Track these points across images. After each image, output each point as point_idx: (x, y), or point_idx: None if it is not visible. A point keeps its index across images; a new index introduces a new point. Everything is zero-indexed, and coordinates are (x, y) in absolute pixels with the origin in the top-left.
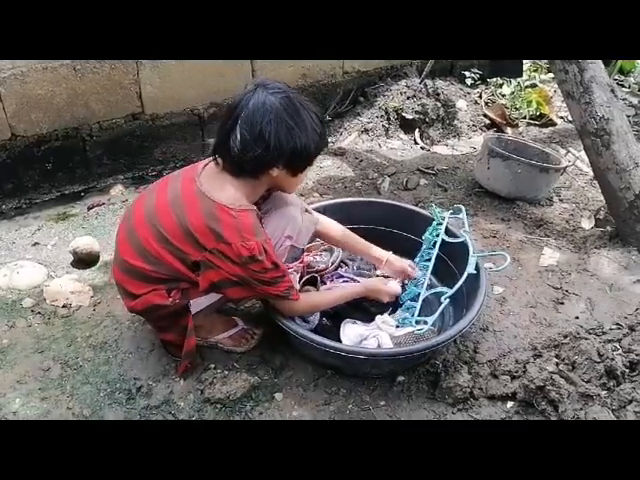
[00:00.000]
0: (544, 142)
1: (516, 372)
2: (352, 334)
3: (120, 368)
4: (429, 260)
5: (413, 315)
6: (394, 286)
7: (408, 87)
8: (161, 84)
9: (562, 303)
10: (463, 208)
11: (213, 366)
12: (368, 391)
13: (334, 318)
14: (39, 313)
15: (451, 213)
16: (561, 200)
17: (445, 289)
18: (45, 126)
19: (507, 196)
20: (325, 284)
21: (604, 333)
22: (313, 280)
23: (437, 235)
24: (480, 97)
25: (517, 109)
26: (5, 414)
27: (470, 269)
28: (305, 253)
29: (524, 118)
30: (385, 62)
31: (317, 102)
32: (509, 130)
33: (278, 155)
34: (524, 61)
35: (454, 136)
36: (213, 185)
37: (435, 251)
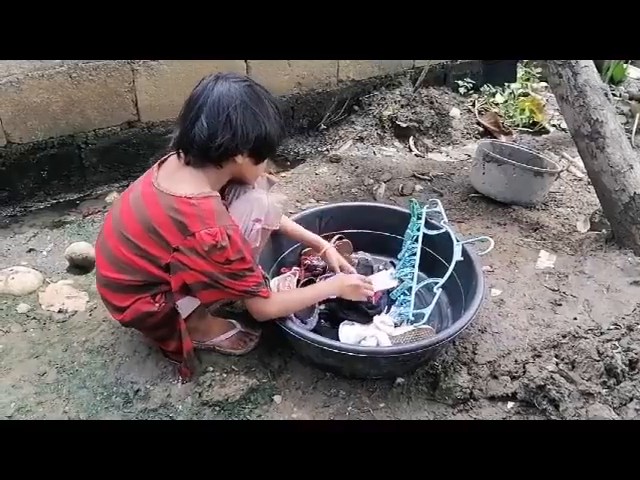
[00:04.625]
0: (538, 149)
1: (516, 372)
2: (351, 335)
3: (117, 372)
4: (414, 255)
5: (408, 309)
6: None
7: (402, 96)
8: (157, 92)
9: (560, 305)
10: (439, 201)
11: (211, 369)
12: (367, 393)
13: (332, 320)
14: (34, 318)
15: (427, 207)
16: (556, 204)
17: (436, 279)
18: (41, 133)
19: (503, 200)
20: None
21: (602, 333)
22: (311, 283)
23: (418, 229)
24: (473, 105)
25: (510, 117)
26: (0, 418)
27: (457, 257)
28: (303, 257)
29: (517, 126)
30: (379, 71)
31: (312, 110)
32: (503, 138)
33: (245, 141)
34: (518, 69)
35: (448, 144)
36: (171, 182)
37: (419, 244)
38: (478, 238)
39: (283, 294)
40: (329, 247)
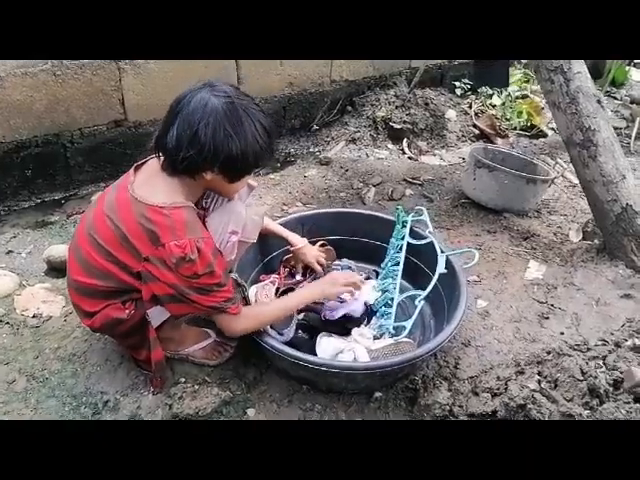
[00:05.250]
0: (534, 153)
1: (497, 389)
2: (328, 347)
3: (87, 381)
4: (398, 264)
5: (389, 321)
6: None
7: (397, 97)
8: (144, 91)
9: (547, 318)
10: (424, 209)
11: (183, 380)
12: (344, 407)
13: (311, 331)
14: (8, 323)
15: (412, 215)
16: (549, 212)
17: (419, 291)
18: (25, 132)
19: (494, 207)
20: None
21: (589, 349)
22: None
23: (402, 238)
24: (470, 107)
25: (507, 120)
26: None
27: (440, 269)
28: (283, 263)
29: (514, 129)
30: (374, 71)
31: (304, 111)
32: (499, 141)
33: (211, 159)
34: (516, 71)
35: (442, 146)
36: (146, 189)
37: (402, 254)
38: (463, 250)
39: (256, 307)
40: (305, 244)
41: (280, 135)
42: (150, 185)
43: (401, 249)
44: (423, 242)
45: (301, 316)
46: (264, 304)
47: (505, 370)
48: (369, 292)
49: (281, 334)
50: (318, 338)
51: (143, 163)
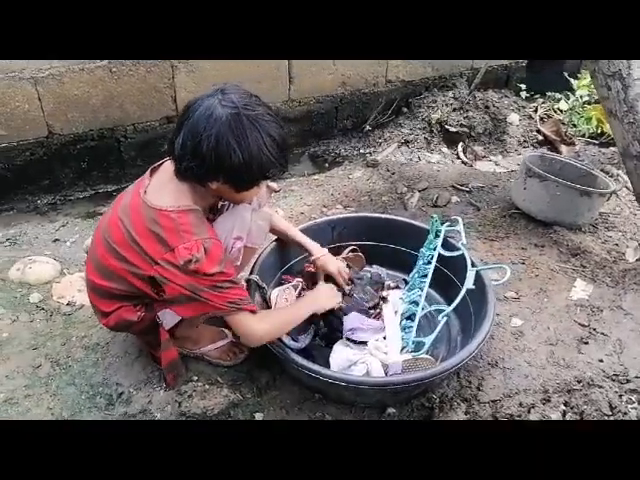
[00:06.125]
0: (601, 163)
1: (518, 416)
2: (340, 358)
3: (106, 372)
4: (426, 276)
5: (410, 335)
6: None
7: (455, 99)
8: (196, 89)
9: (586, 343)
10: (460, 219)
11: (196, 378)
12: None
13: (329, 339)
14: (43, 309)
15: (448, 225)
16: (607, 227)
17: (443, 306)
18: (81, 126)
19: (543, 220)
20: None
21: (628, 381)
22: None
23: (434, 249)
24: (535, 112)
25: (574, 126)
26: None
27: (469, 284)
28: (307, 265)
29: (582, 136)
30: (432, 71)
31: (357, 111)
32: (564, 148)
33: (214, 171)
34: (587, 75)
35: (501, 152)
36: (157, 194)
37: (431, 266)
38: (495, 266)
39: (273, 313)
40: (324, 254)
41: (331, 135)
42: (161, 189)
43: (431, 260)
44: (455, 254)
45: (321, 323)
46: (276, 312)
47: (531, 396)
48: (395, 302)
49: (296, 340)
50: (334, 347)
51: (159, 165)
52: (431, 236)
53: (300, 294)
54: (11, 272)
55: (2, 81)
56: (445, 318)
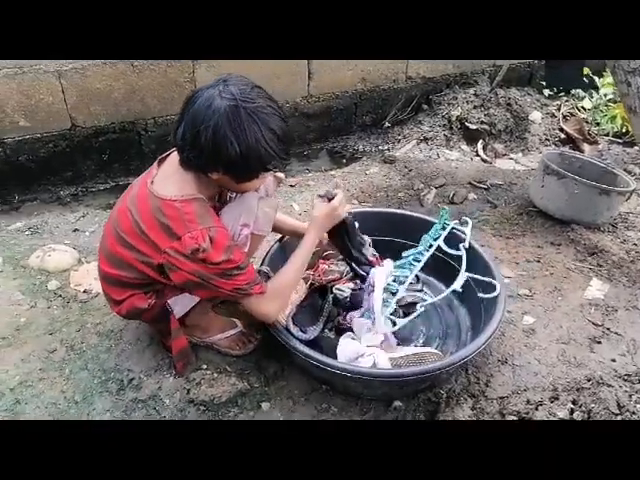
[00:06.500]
0: (624, 162)
1: (526, 413)
2: (348, 350)
3: (118, 358)
4: (419, 261)
5: (386, 310)
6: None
7: (476, 96)
8: None
9: (599, 342)
10: (470, 221)
11: (205, 367)
12: (360, 413)
13: (338, 331)
14: (60, 296)
15: (456, 223)
16: (627, 227)
17: (425, 297)
18: (103, 118)
19: (561, 218)
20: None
21: None
22: (323, 289)
23: (436, 239)
24: (558, 110)
25: (598, 124)
26: (3, 390)
27: (456, 286)
28: (321, 261)
29: (606, 135)
30: (454, 68)
31: (376, 108)
32: (586, 147)
33: (213, 162)
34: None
35: (522, 150)
36: (162, 184)
37: (427, 254)
38: (485, 279)
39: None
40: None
41: (350, 131)
42: (167, 179)
43: (428, 249)
44: (453, 252)
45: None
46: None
47: (538, 394)
48: (384, 274)
49: (304, 332)
50: (340, 339)
51: (167, 156)
52: (438, 226)
53: (311, 286)
54: (31, 259)
55: (27, 74)
56: (422, 308)
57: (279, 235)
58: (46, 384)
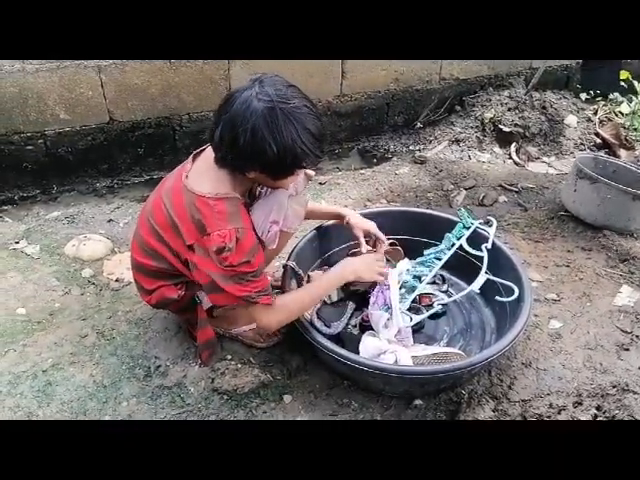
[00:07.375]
0: None
1: (548, 417)
2: (371, 346)
3: (146, 345)
4: (439, 260)
5: (402, 305)
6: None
7: (511, 98)
8: None
9: (627, 349)
10: (495, 222)
11: (229, 357)
12: (381, 409)
13: (363, 328)
14: (94, 284)
15: (480, 223)
16: None
17: (443, 297)
18: (140, 113)
19: (592, 223)
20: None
21: None
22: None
23: (458, 238)
24: (595, 114)
25: (636, 130)
26: (36, 371)
27: (475, 287)
28: (351, 253)
29: None
30: (488, 70)
31: (409, 108)
32: (622, 152)
33: (251, 162)
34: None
35: (556, 154)
36: (197, 179)
37: (449, 253)
38: (505, 282)
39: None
40: (352, 215)
41: (381, 131)
42: (202, 175)
43: (450, 248)
44: (476, 253)
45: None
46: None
47: (562, 398)
48: (396, 273)
49: (328, 326)
50: (363, 336)
51: (201, 151)
52: (461, 224)
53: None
54: (67, 248)
55: (69, 68)
56: (439, 306)
57: (306, 232)
58: (77, 368)
